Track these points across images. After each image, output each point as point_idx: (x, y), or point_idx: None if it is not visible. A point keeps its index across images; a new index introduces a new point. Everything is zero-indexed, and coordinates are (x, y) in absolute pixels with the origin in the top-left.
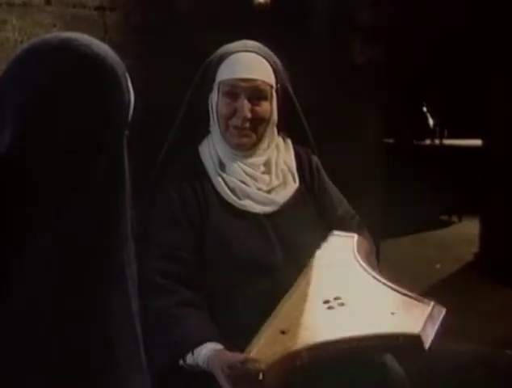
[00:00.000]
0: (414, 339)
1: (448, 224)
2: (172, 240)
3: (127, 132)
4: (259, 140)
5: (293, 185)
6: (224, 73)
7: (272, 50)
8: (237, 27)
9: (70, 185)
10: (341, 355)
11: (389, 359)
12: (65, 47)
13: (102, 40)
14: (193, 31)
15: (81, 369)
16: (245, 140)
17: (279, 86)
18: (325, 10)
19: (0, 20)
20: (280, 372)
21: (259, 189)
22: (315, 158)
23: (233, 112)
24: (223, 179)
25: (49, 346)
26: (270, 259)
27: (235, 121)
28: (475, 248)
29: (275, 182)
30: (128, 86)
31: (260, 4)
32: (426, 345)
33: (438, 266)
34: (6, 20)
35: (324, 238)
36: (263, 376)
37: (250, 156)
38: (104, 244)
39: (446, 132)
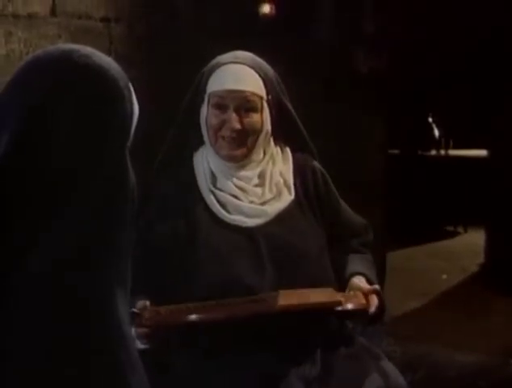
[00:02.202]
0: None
1: (454, 234)
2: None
3: (129, 144)
4: (250, 151)
5: (288, 197)
6: (214, 84)
7: (274, 60)
8: (242, 37)
9: (68, 196)
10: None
11: (392, 369)
12: (66, 57)
13: (108, 51)
14: (198, 41)
15: (82, 371)
16: (236, 151)
17: (270, 97)
18: (329, 21)
19: (6, 32)
20: (171, 318)
21: (251, 202)
22: (319, 168)
23: (222, 124)
24: (214, 194)
25: (49, 346)
26: (257, 278)
27: (224, 132)
28: (480, 259)
29: (268, 195)
30: (131, 98)
31: (265, 14)
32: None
33: (444, 276)
34: (12, 32)
35: (322, 247)
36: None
37: (243, 168)
38: (101, 257)
39: (451, 143)
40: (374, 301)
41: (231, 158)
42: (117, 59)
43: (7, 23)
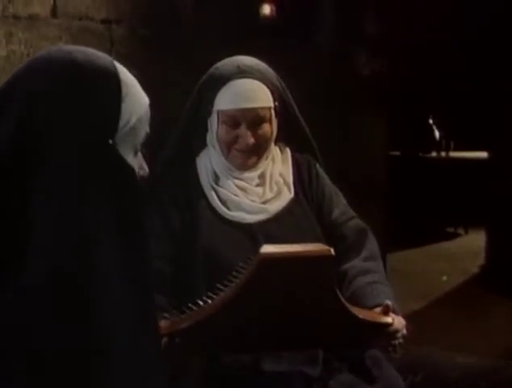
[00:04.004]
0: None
1: (454, 236)
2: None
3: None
4: (261, 158)
5: (288, 196)
6: (223, 103)
7: (275, 61)
8: (242, 39)
9: (67, 194)
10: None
11: (392, 371)
12: (68, 56)
13: (109, 52)
14: (198, 43)
15: (82, 371)
16: (249, 161)
17: (276, 103)
18: (330, 22)
19: (6, 33)
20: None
21: (252, 201)
22: (315, 165)
23: (235, 139)
24: (215, 190)
25: (49, 346)
26: None
27: (238, 146)
28: (481, 260)
29: (269, 194)
30: (137, 100)
31: (265, 16)
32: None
33: (444, 278)
34: (12, 33)
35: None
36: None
37: (245, 169)
38: (101, 257)
39: (452, 145)
40: (400, 320)
41: (244, 167)
42: (118, 60)
43: (8, 24)
